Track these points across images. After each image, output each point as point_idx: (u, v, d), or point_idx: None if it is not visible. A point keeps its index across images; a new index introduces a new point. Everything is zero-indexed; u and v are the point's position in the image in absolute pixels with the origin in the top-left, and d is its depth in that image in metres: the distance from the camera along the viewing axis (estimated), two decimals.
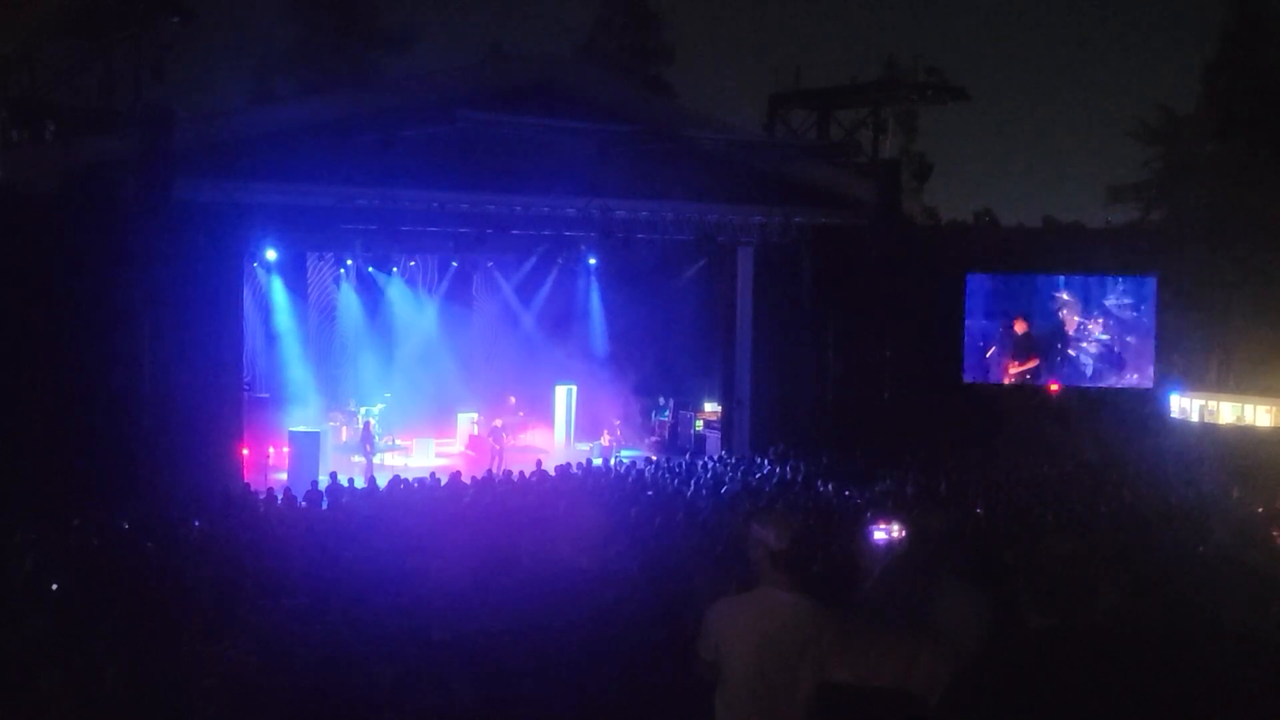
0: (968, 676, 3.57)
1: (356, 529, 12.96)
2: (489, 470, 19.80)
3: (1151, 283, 25.89)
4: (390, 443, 23.18)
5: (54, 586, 8.80)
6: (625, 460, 21.26)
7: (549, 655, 4.43)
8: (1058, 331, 26.41)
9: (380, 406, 24.15)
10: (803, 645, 4.05)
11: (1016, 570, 3.60)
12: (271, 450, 21.34)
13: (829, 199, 22.89)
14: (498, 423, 23.55)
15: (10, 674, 5.66)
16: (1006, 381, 25.84)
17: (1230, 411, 24.54)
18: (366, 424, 22.49)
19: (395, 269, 24.99)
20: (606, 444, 24.07)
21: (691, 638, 4.32)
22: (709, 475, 18.31)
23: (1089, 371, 26.81)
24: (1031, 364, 26.24)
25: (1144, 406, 25.40)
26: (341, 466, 19.92)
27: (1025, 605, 3.53)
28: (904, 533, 4.51)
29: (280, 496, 16.09)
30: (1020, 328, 26.00)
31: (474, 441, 24.27)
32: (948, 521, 4.82)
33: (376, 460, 21.86)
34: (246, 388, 20.49)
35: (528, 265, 25.61)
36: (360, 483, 17.53)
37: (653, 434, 25.99)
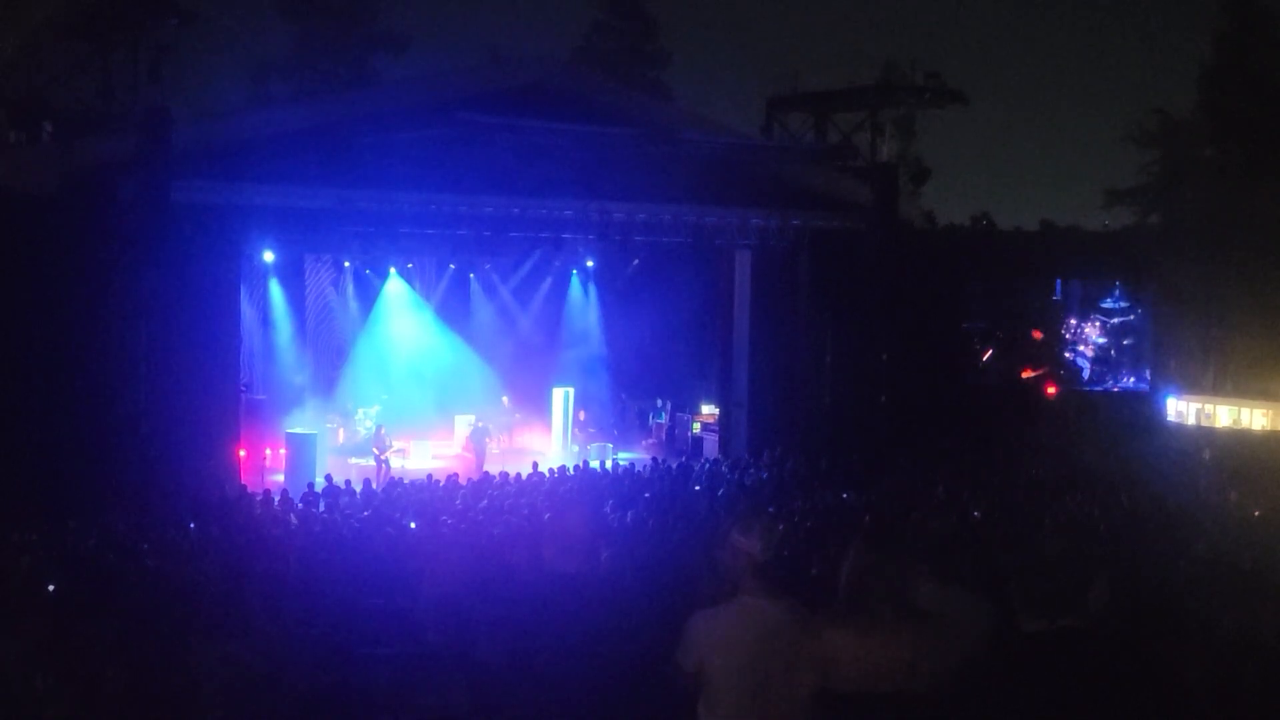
0: (962, 681, 3.58)
1: (352, 531, 12.97)
2: (485, 473, 19.76)
3: (1149, 286, 25.93)
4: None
5: (50, 588, 8.79)
6: (622, 463, 21.27)
7: (544, 659, 4.42)
8: (1056, 335, 26.49)
9: (376, 408, 24.14)
10: (789, 652, 4.02)
11: (1009, 574, 3.61)
12: (269, 452, 21.31)
13: (826, 202, 22.90)
14: (479, 424, 23.29)
15: (7, 676, 5.65)
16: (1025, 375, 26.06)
17: (1227, 415, 24.57)
18: (379, 428, 22.41)
19: (393, 271, 24.98)
20: (578, 438, 24.14)
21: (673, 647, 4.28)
22: (706, 478, 18.30)
23: (1086, 374, 26.85)
24: (1044, 369, 26.37)
25: (1141, 409, 25.43)
26: (338, 469, 19.90)
27: (1017, 609, 3.54)
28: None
29: (277, 498, 16.09)
30: (1038, 335, 26.27)
31: (470, 444, 24.24)
32: (951, 526, 4.82)
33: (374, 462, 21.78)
34: (244, 389, 20.47)
35: (525, 268, 25.62)
36: (358, 486, 17.48)
37: (650, 436, 25.99)
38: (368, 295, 24.94)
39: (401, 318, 25.28)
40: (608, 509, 14.07)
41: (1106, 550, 8.23)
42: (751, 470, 19.35)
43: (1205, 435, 23.85)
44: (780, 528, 4.38)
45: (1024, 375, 26.11)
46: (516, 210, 20.30)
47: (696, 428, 25.22)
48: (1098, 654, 3.44)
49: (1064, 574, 3.48)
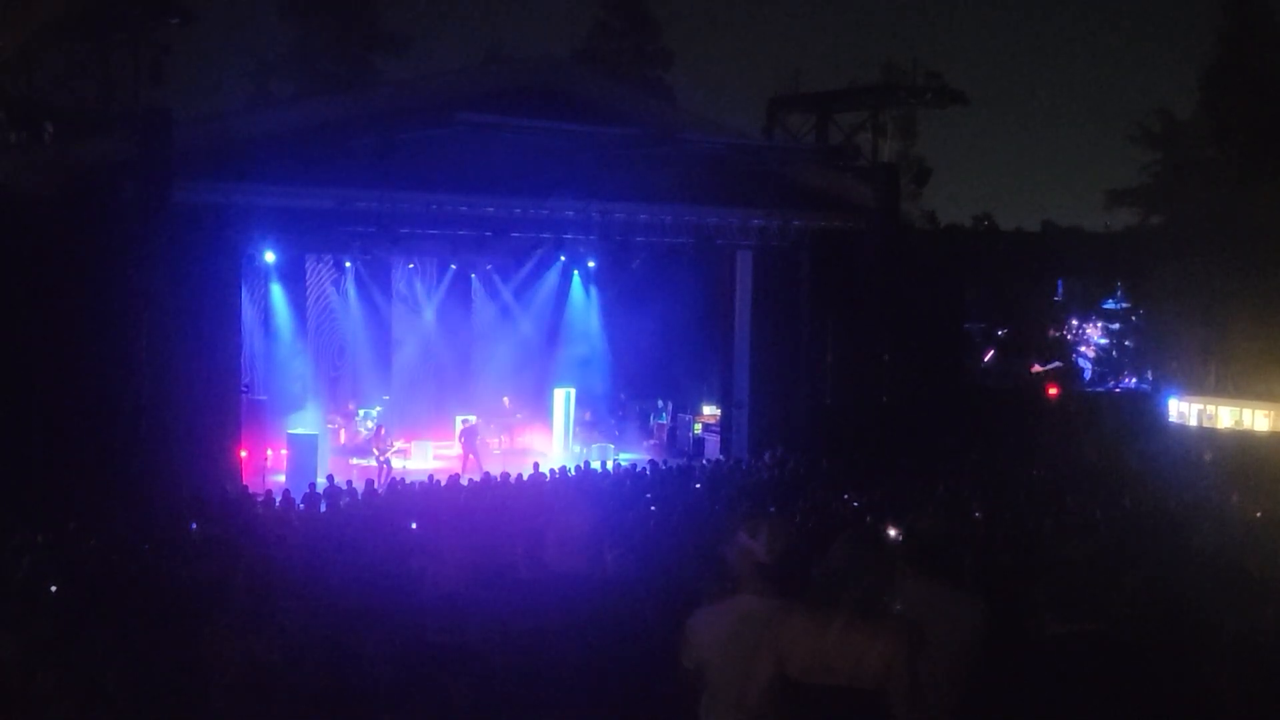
0: (984, 682, 3.58)
1: (353, 531, 12.95)
2: (486, 473, 19.75)
3: (1150, 287, 25.94)
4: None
5: (52, 589, 8.79)
6: (623, 463, 21.26)
7: (545, 660, 4.42)
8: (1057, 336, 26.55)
9: (378, 409, 24.15)
10: (756, 641, 4.04)
11: (1032, 576, 3.61)
12: (270, 452, 21.32)
13: (828, 203, 22.89)
14: (466, 423, 23.09)
15: (9, 676, 5.65)
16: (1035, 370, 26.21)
17: (1229, 416, 24.57)
18: (379, 427, 22.39)
19: (394, 271, 24.99)
20: (580, 438, 24.12)
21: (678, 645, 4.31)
22: (707, 478, 18.28)
23: (1087, 375, 26.87)
24: (1055, 365, 26.48)
25: (1142, 410, 25.44)
26: (340, 469, 19.90)
27: (1043, 612, 3.53)
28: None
29: (278, 499, 16.08)
30: (1052, 333, 26.45)
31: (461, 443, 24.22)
32: (943, 524, 4.80)
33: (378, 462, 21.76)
34: (245, 390, 20.47)
35: (526, 268, 25.63)
36: (360, 486, 17.47)
37: (651, 437, 26.00)
38: (369, 295, 24.95)
39: (402, 318, 25.31)
40: (609, 510, 14.06)
41: (1117, 551, 8.21)
42: (752, 471, 19.33)
43: (1207, 436, 23.85)
44: (787, 531, 4.38)
45: (1033, 370, 26.15)
46: (517, 210, 20.30)
47: (698, 428, 25.23)
48: (1097, 656, 3.44)
49: (1090, 577, 3.48)
